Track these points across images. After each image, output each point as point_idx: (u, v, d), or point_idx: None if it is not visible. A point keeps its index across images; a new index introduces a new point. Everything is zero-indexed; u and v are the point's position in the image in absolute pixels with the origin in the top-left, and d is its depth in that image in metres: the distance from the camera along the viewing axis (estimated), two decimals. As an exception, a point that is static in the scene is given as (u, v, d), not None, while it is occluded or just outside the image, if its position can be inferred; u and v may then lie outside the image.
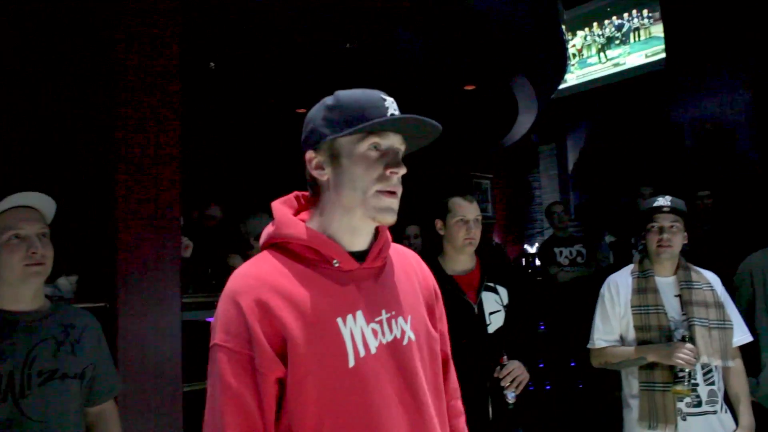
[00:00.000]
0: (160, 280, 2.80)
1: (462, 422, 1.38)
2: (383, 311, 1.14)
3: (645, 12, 7.45)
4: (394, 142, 1.14)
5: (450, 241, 2.45)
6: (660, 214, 2.40)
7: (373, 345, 1.10)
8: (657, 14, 7.33)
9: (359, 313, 1.11)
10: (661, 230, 2.38)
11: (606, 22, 7.87)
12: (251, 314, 1.04)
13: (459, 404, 1.40)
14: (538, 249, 5.76)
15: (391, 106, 1.14)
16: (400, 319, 1.16)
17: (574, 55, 8.12)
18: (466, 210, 2.41)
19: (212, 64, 5.11)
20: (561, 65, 6.82)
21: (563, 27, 7.23)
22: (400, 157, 1.15)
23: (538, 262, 5.71)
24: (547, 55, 6.09)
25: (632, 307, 2.39)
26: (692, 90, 7.03)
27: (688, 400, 2.25)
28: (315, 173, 1.16)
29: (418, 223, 4.51)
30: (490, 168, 8.51)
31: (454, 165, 7.87)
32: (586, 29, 8.08)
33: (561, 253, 5.03)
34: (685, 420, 2.24)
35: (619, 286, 2.46)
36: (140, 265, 2.77)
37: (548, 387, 4.88)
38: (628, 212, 5.26)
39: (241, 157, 6.75)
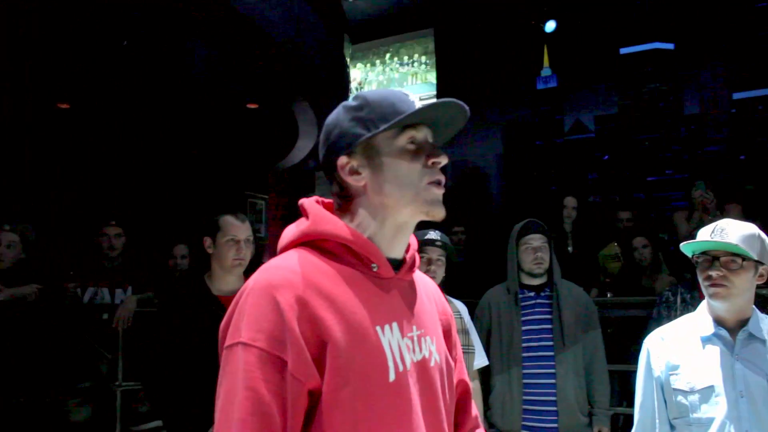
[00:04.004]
0: None
1: None
2: (414, 327, 1.07)
3: (423, 59, 8.13)
4: (427, 134, 1.08)
5: (218, 260, 2.36)
6: (431, 246, 2.58)
7: (408, 360, 1.02)
8: (432, 62, 8.05)
9: (395, 325, 1.03)
10: (429, 262, 2.56)
11: (387, 61, 8.42)
12: (290, 312, 0.92)
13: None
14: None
15: (415, 99, 1.08)
16: (428, 339, 1.10)
17: (356, 88, 8.53)
18: (238, 229, 2.35)
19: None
20: (342, 96, 7.10)
21: (348, 60, 7.56)
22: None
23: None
24: (330, 84, 6.31)
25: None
26: (456, 135, 7.83)
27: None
28: (350, 179, 1.06)
29: (187, 242, 4.27)
30: (267, 188, 8.47)
31: (228, 183, 7.71)
32: (369, 65, 8.55)
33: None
34: (429, 438, 2.41)
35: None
36: None
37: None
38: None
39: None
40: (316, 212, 1.07)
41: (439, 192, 1.06)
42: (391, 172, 1.04)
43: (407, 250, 1.13)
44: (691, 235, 1.79)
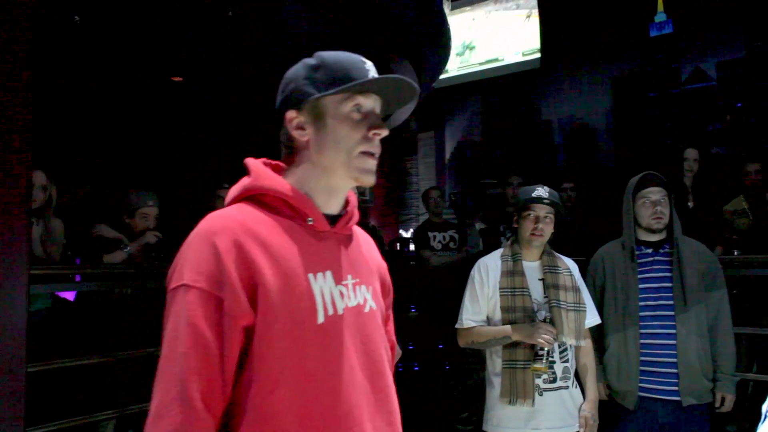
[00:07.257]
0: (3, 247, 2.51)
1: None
2: (349, 276, 1.17)
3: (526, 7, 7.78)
4: (375, 104, 1.16)
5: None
6: (538, 204, 2.50)
7: (340, 306, 1.12)
8: (535, 10, 7.70)
9: (329, 273, 1.13)
10: (537, 219, 2.49)
11: (488, 14, 8.14)
12: (227, 255, 1.02)
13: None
14: (413, 233, 5.88)
15: (371, 68, 1.16)
16: (364, 288, 1.19)
17: (455, 44, 8.34)
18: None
19: (77, 17, 4.68)
20: (444, 55, 6.96)
21: (447, 15, 7.40)
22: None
23: (412, 246, 5.82)
24: (431, 43, 6.19)
25: (500, 288, 2.48)
26: (562, 91, 7.50)
27: (545, 376, 2.38)
28: (295, 133, 1.15)
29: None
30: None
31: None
32: (468, 20, 8.32)
33: (435, 237, 5.15)
34: (541, 395, 2.37)
35: (489, 268, 2.55)
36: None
37: (416, 368, 5.01)
38: (498, 201, 5.49)
39: (107, 128, 6.28)
40: (257, 169, 1.16)
41: (372, 162, 1.15)
42: (331, 135, 1.13)
43: (346, 206, 1.22)
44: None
